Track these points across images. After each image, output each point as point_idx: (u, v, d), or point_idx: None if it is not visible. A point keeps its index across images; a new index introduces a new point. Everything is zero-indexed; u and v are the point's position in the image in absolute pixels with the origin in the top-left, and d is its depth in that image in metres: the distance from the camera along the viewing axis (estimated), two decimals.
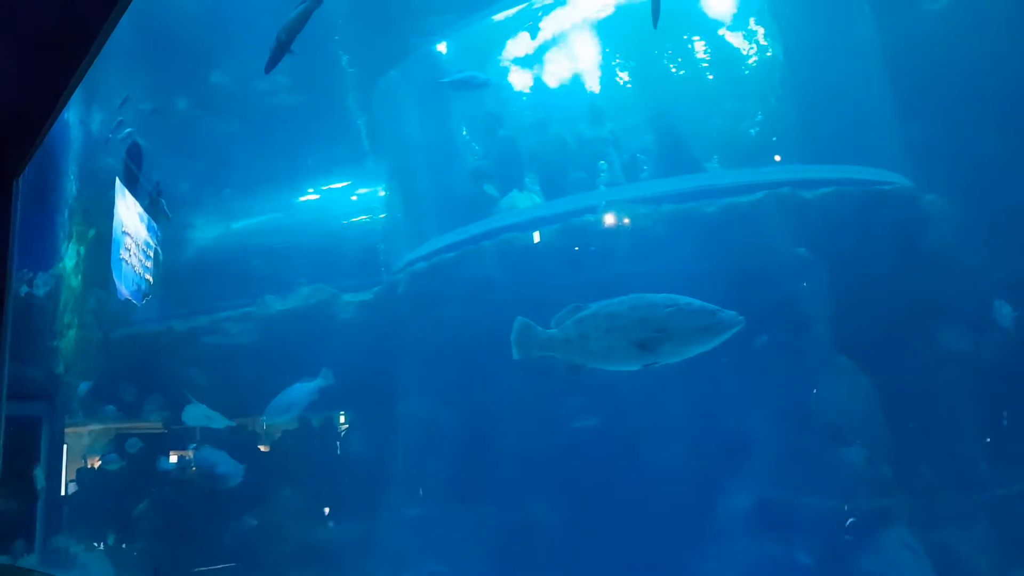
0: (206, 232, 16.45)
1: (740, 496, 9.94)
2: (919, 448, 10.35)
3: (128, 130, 13.51)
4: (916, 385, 10.54)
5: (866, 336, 9.98)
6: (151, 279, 13.86)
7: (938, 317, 10.48)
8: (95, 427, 15.06)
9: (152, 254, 14.48)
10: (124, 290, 13.09)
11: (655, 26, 6.93)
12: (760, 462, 9.83)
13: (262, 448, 15.24)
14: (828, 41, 10.38)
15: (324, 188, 15.44)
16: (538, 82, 12.55)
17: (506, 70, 12.66)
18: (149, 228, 14.50)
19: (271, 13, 12.63)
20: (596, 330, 6.56)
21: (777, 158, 11.68)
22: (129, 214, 13.80)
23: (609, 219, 10.71)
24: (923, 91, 11.29)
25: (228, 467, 11.12)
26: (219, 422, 11.46)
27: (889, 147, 10.87)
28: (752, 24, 11.52)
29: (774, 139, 11.48)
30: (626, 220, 10.62)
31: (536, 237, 10.88)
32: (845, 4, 11.15)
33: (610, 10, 11.75)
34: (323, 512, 12.17)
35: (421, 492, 11.10)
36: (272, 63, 8.73)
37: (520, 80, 12.70)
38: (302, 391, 11.75)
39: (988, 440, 10.77)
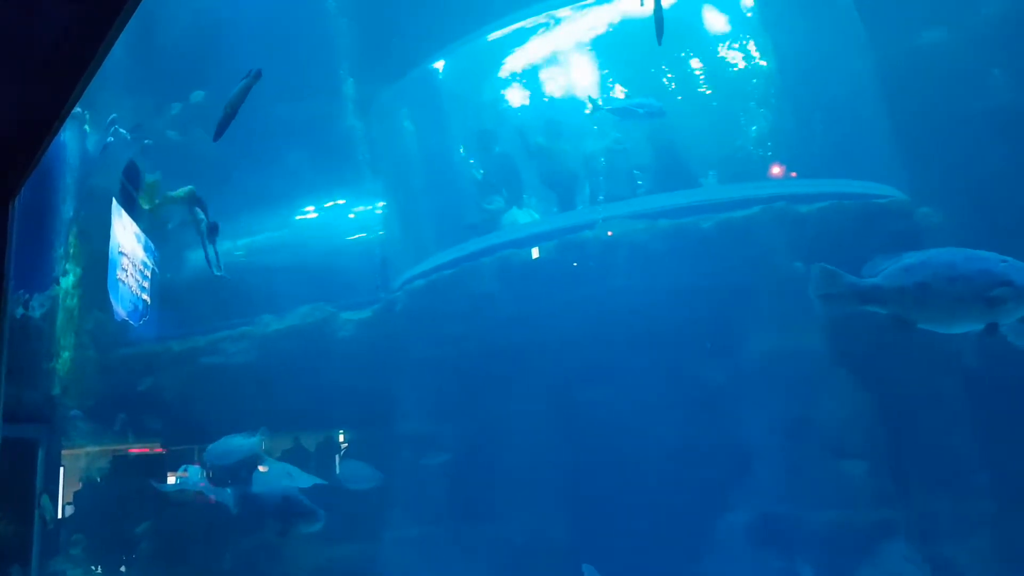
0: (199, 249, 16.31)
1: (742, 510, 9.88)
2: (918, 460, 10.27)
3: (115, 127, 13.42)
4: (915, 397, 10.50)
5: (864, 349, 9.92)
6: (148, 299, 13.73)
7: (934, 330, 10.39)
8: (92, 449, 14.83)
9: (149, 274, 14.36)
10: (121, 311, 12.97)
11: (659, 42, 6.90)
12: (761, 476, 9.79)
13: (261, 468, 14.99)
14: (822, 56, 10.45)
15: (323, 206, 15.36)
16: (537, 97, 12.54)
17: (502, 87, 12.65)
18: (146, 248, 14.39)
19: (268, 31, 12.66)
20: (937, 279, 5.67)
21: (775, 170, 11.67)
22: (126, 234, 13.70)
23: (607, 235, 10.66)
24: (917, 104, 11.31)
25: (307, 510, 9.76)
26: (303, 480, 10.37)
27: (884, 161, 10.88)
28: (747, 39, 11.53)
29: (770, 154, 11.48)
30: (624, 235, 10.57)
31: (535, 253, 10.82)
32: (838, 19, 11.24)
33: (603, 28, 11.76)
34: (323, 532, 11.98)
35: (420, 511, 10.93)
36: (219, 132, 9.60)
37: (517, 96, 12.69)
38: (241, 444, 11.65)
39: (987, 452, 10.66)
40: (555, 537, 10.44)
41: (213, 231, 9.61)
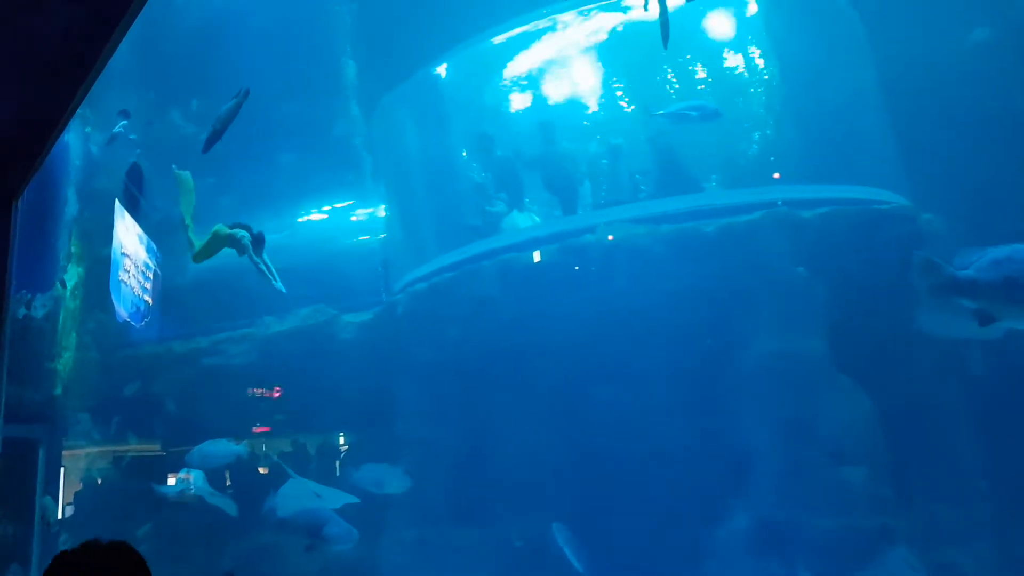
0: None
1: (742, 516, 9.85)
2: (919, 466, 10.24)
3: (126, 127, 13.42)
4: (915, 402, 10.47)
5: (865, 355, 9.90)
6: (150, 301, 13.71)
7: (935, 333, 10.38)
8: (92, 450, 14.80)
9: (151, 276, 14.34)
10: (123, 312, 12.96)
11: (665, 46, 6.90)
12: (761, 481, 9.75)
13: (261, 470, 14.98)
14: (825, 62, 10.42)
15: (325, 209, 15.34)
16: (539, 102, 12.53)
17: (506, 91, 12.65)
18: (148, 249, 14.39)
19: (273, 33, 12.66)
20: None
21: (776, 176, 11.65)
22: (128, 236, 13.70)
23: (609, 239, 10.63)
24: (919, 111, 11.29)
25: (339, 528, 9.57)
26: (335, 499, 10.02)
27: (886, 166, 10.86)
28: (750, 46, 11.53)
29: (772, 159, 11.47)
30: (626, 240, 10.54)
31: (536, 257, 10.79)
32: (841, 26, 11.23)
33: (606, 33, 11.75)
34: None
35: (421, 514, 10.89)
36: (208, 146, 10.06)
37: (521, 100, 12.68)
38: (224, 448, 11.60)
39: (987, 458, 10.63)
40: (554, 541, 10.39)
41: (259, 243, 9.35)
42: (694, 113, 10.67)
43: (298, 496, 10.10)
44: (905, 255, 9.99)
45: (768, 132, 11.67)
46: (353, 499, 10.01)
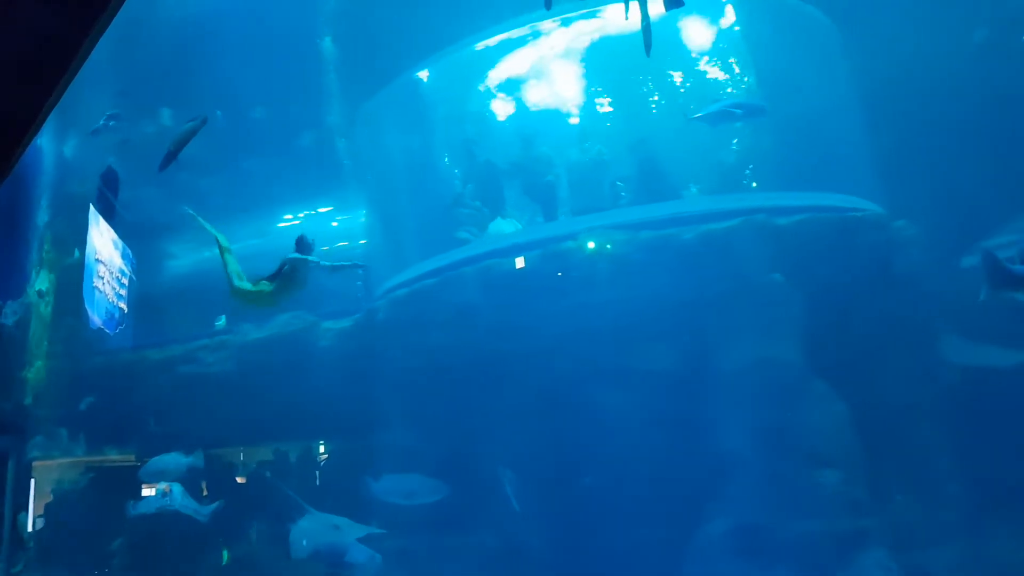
0: (183, 259, 16.11)
1: (721, 520, 9.91)
2: (893, 469, 10.38)
3: (112, 123, 13.26)
4: (890, 407, 10.62)
5: (840, 360, 10.02)
6: (125, 307, 13.50)
7: (910, 339, 10.56)
8: (64, 460, 14.51)
9: (126, 282, 14.13)
10: (96, 319, 12.76)
11: (648, 54, 6.93)
12: (740, 486, 9.82)
13: (239, 480, 14.82)
14: (801, 71, 10.55)
15: (304, 214, 15.24)
16: (521, 108, 12.56)
17: (488, 98, 12.66)
18: (123, 255, 14.19)
19: (254, 38, 12.58)
20: None
21: (754, 184, 11.78)
22: (103, 241, 13.52)
23: (589, 245, 10.65)
24: (893, 120, 11.48)
25: (362, 556, 9.51)
26: (352, 531, 9.84)
27: (861, 174, 11.03)
28: (728, 55, 11.66)
29: (750, 167, 11.59)
30: (606, 246, 10.57)
31: (518, 263, 10.78)
32: (817, 36, 11.40)
33: (586, 42, 11.82)
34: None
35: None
36: (163, 166, 10.21)
37: (502, 107, 12.70)
38: (174, 463, 11.48)
39: (960, 461, 10.79)
40: (535, 547, 10.39)
41: (304, 247, 8.60)
42: (738, 111, 10.40)
43: (316, 531, 9.79)
44: (879, 261, 10.15)
45: (746, 140, 11.78)
46: (374, 530, 9.71)
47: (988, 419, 10.87)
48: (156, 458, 12.01)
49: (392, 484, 10.68)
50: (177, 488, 12.09)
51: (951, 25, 11.70)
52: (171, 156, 10.01)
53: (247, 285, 9.00)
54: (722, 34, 11.68)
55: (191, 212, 8.96)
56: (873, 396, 10.45)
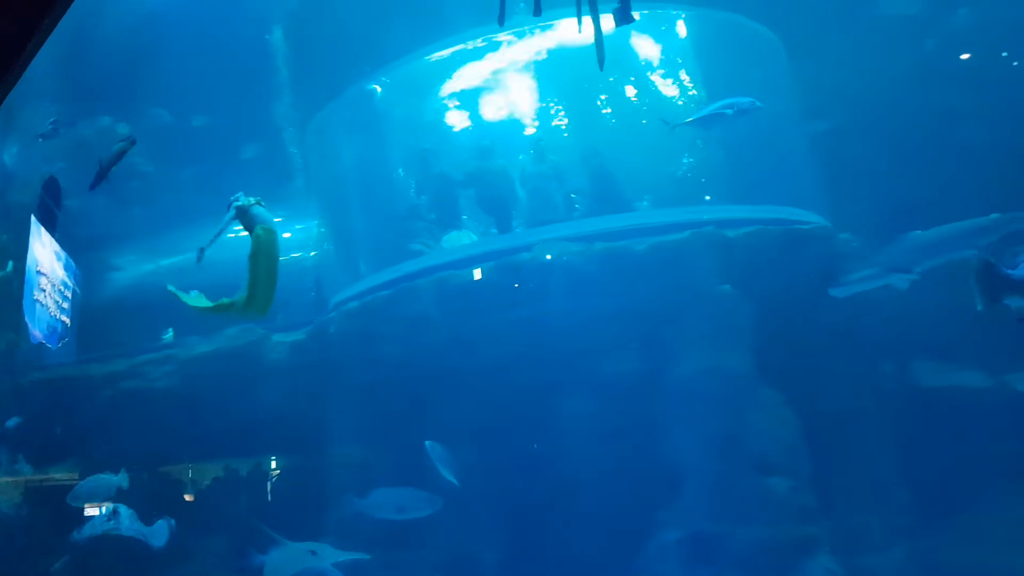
0: (129, 271, 15.76)
1: (673, 529, 10.07)
2: (840, 476, 10.67)
3: (60, 128, 12.96)
4: (837, 415, 10.91)
5: (789, 369, 10.30)
6: (67, 321, 13.14)
7: (854, 348, 10.91)
8: (2, 479, 13.99)
9: (69, 295, 13.77)
10: (37, 333, 12.41)
11: (601, 68, 7.09)
12: (691, 495, 10.00)
13: (187, 498, 14.47)
14: (750, 86, 10.88)
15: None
16: (475, 120, 12.65)
17: (442, 110, 12.74)
18: (66, 267, 13.83)
19: (204, 46, 12.44)
20: None
21: (707, 198, 12.07)
22: (45, 252, 13.20)
23: (547, 257, 10.78)
24: (838, 135, 11.91)
25: None
26: (329, 555, 9.63)
27: (807, 188, 11.40)
28: (680, 69, 11.97)
29: (702, 180, 11.89)
30: (561, 258, 10.72)
31: (474, 275, 10.85)
32: (764, 52, 11.77)
33: (540, 54, 12.01)
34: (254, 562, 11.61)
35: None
36: (94, 185, 10.21)
37: (457, 119, 12.78)
38: (101, 484, 11.26)
39: (905, 467, 11.16)
40: (489, 560, 10.40)
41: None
42: (730, 111, 10.24)
43: (290, 560, 9.59)
44: (825, 272, 10.49)
45: (697, 154, 12.09)
46: (362, 555, 9.53)
47: (930, 424, 11.29)
48: (84, 481, 11.63)
49: (382, 498, 10.56)
50: (124, 510, 11.70)
51: (892, 42, 12.21)
52: (103, 173, 10.06)
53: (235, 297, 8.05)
54: (673, 49, 11.99)
55: (172, 289, 8.34)
56: (820, 404, 10.77)
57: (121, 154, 10.00)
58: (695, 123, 10.77)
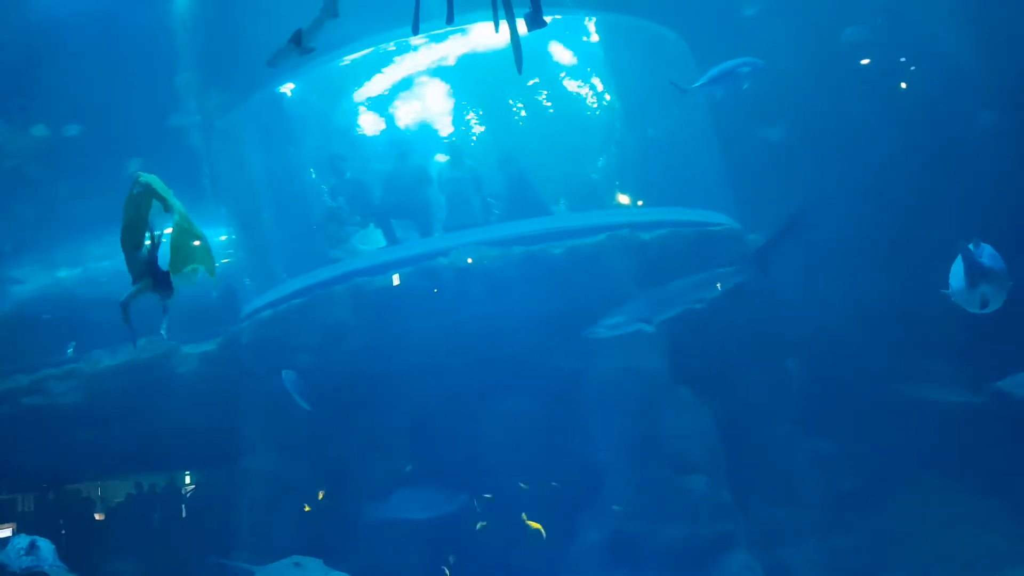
0: (29, 283, 15.08)
1: (594, 530, 10.19)
2: (755, 472, 10.96)
3: None
4: (750, 412, 11.20)
5: (702, 368, 10.53)
6: None
7: (765, 346, 11.22)
8: None
9: None
10: None
11: (519, 71, 7.10)
12: (611, 495, 10.12)
13: (97, 516, 13.96)
14: (660, 92, 11.06)
15: (159, 232, 14.53)
16: (391, 124, 12.50)
17: (356, 113, 12.56)
18: None
19: (105, 46, 11.96)
20: None
21: (624, 199, 12.23)
22: None
23: (468, 261, 10.74)
24: (746, 139, 12.23)
25: None
26: (312, 566, 9.09)
27: (717, 190, 11.69)
28: (593, 74, 12.11)
29: (616, 184, 12.07)
30: (479, 262, 10.71)
31: (391, 280, 10.75)
32: (673, 57, 12.01)
33: (455, 58, 11.98)
34: None
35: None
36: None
37: (372, 122, 12.59)
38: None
39: (816, 462, 11.55)
40: (411, 565, 10.33)
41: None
42: (746, 68, 9.62)
43: (279, 571, 9.22)
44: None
45: (611, 158, 12.28)
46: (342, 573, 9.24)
47: (840, 420, 11.74)
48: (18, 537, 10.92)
49: (406, 498, 10.29)
50: (46, 545, 11.00)
51: (799, 48, 12.63)
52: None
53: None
54: (585, 53, 12.13)
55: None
56: (734, 403, 11.07)
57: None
58: (709, 83, 10.05)
